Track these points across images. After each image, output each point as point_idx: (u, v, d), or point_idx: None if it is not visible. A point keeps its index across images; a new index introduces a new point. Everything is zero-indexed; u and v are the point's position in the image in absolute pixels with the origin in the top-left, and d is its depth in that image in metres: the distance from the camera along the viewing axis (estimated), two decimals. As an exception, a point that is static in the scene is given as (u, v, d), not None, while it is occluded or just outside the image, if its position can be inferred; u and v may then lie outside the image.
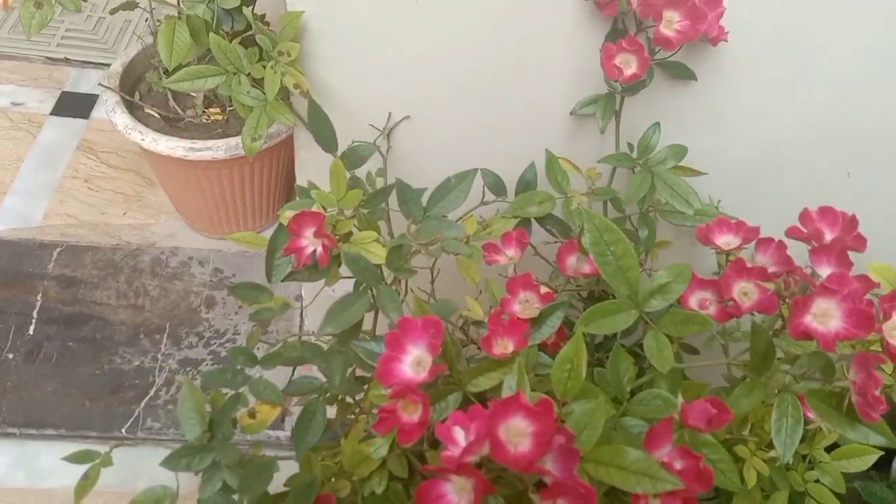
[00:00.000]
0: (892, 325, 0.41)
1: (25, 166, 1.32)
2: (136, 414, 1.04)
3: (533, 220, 0.63)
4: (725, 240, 0.55)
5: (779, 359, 0.50)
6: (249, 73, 0.63)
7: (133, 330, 1.12)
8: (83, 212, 1.26)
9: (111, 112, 1.05)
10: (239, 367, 0.52)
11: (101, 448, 1.06)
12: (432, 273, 0.60)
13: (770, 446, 0.56)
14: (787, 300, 0.48)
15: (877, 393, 0.44)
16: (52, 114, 1.41)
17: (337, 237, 0.52)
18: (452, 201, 0.57)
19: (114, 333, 1.11)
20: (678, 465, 0.39)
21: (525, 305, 0.56)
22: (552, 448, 0.36)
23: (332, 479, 0.51)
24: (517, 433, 0.36)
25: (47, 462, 1.05)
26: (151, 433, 1.03)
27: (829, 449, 0.62)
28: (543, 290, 0.56)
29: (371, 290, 0.51)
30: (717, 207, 0.64)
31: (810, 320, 0.40)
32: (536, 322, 0.53)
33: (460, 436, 0.37)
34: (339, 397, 0.58)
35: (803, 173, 0.71)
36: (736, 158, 0.70)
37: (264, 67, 0.62)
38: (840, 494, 0.62)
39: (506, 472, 0.37)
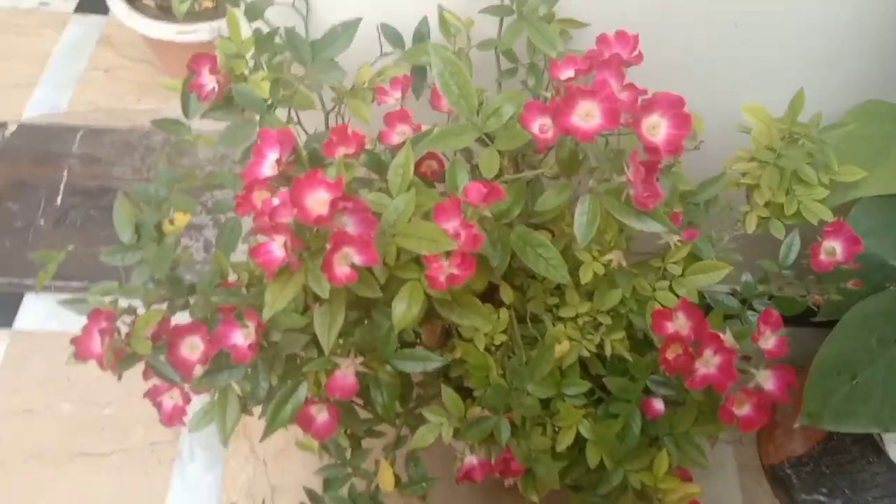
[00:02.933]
0: (649, 123, 0.49)
1: (53, 60, 1.46)
2: (146, 270, 1.20)
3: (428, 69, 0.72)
4: (567, 73, 0.63)
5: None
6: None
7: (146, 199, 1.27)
8: (103, 99, 1.40)
9: (112, 1, 1.17)
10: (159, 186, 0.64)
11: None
12: (325, 115, 0.70)
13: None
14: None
15: (651, 183, 0.52)
16: (75, 11, 1.54)
17: (231, 78, 0.62)
18: (339, 47, 0.66)
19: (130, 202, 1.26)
20: (460, 233, 0.49)
21: (401, 136, 0.66)
22: (341, 209, 0.46)
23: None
24: (318, 201, 0.47)
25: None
26: (160, 286, 1.19)
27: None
28: (416, 124, 0.65)
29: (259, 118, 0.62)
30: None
31: (575, 119, 0.49)
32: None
33: (276, 202, 0.48)
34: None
35: (691, 17, 0.76)
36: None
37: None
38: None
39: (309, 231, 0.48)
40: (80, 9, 1.54)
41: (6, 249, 1.22)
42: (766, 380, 0.57)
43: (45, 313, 1.22)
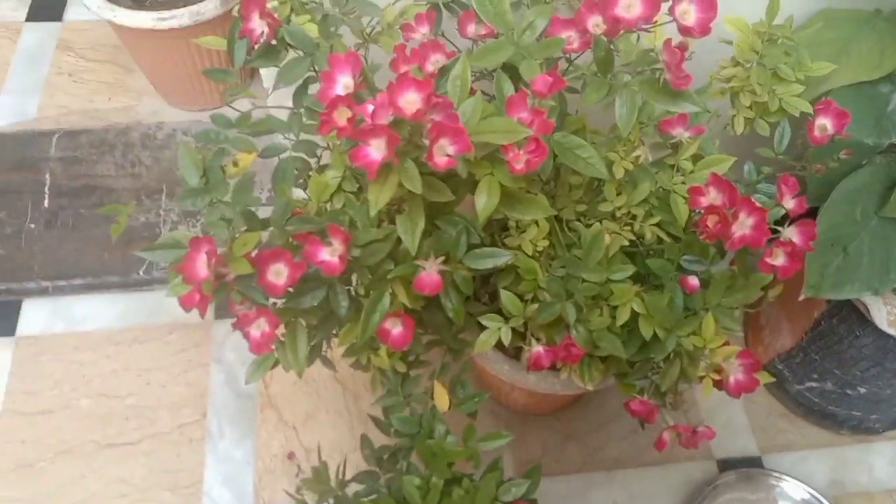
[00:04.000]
0: (681, 10, 0.57)
1: (13, 69, 1.45)
2: (148, 260, 1.21)
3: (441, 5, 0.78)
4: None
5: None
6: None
7: (134, 193, 1.28)
8: (72, 101, 1.40)
9: (84, -4, 1.18)
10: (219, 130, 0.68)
11: (122, 295, 1.24)
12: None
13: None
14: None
15: (682, 66, 0.60)
16: (27, 20, 1.53)
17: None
18: (371, -11, 0.71)
19: (118, 198, 1.27)
20: (531, 119, 0.55)
21: (435, 64, 0.71)
22: (433, 106, 0.52)
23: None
24: (410, 101, 0.53)
25: (80, 311, 1.23)
26: (165, 272, 1.21)
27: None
28: (450, 52, 0.71)
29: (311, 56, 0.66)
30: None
31: (619, 10, 0.56)
32: (441, 73, 0.69)
33: (371, 108, 0.53)
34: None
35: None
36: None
37: None
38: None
39: (406, 129, 0.53)
40: (31, 17, 1.53)
41: (0, 257, 1.21)
42: (793, 234, 0.65)
43: (47, 317, 1.22)
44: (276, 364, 0.78)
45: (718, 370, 0.69)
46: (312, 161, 0.77)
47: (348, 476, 0.83)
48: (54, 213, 1.25)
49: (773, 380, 0.72)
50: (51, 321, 1.22)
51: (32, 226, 1.24)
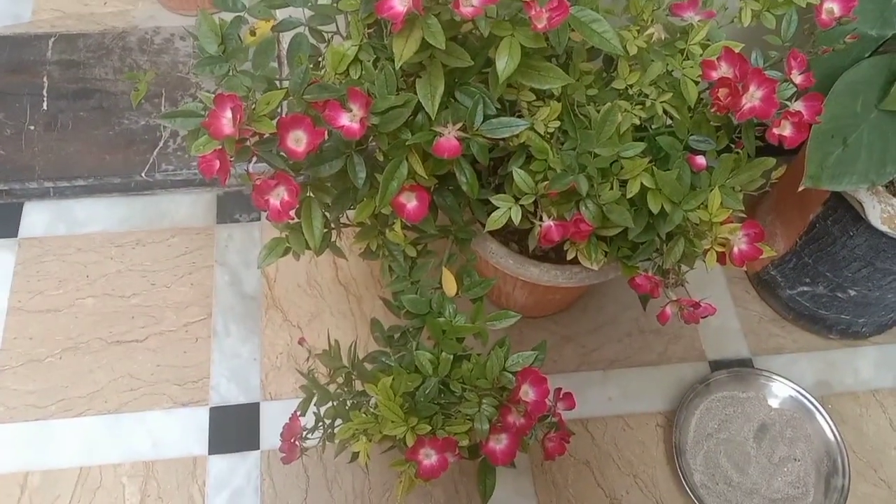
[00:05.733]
0: None
1: (3, -29, 1.42)
2: (151, 161, 1.21)
3: None
4: None
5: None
6: None
7: (134, 97, 1.27)
8: (67, 5, 1.38)
9: None
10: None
11: (123, 199, 1.25)
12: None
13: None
14: None
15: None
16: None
17: None
18: None
19: (117, 102, 1.27)
20: None
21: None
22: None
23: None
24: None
25: (82, 214, 1.24)
26: (167, 174, 1.21)
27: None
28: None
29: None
30: None
31: None
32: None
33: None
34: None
35: None
36: None
37: None
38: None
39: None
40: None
41: (1, 158, 1.20)
42: (801, 106, 0.66)
43: (49, 220, 1.23)
44: (286, 251, 0.80)
45: (723, 243, 0.71)
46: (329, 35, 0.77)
47: (360, 357, 0.86)
48: (53, 115, 1.24)
49: (774, 253, 0.74)
50: (53, 223, 1.23)
51: (32, 127, 1.23)
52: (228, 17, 0.71)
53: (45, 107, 1.25)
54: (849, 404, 1.17)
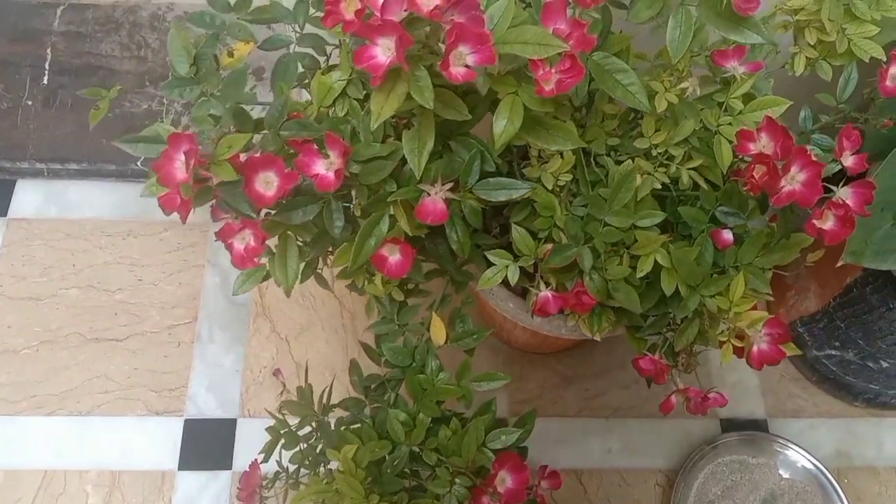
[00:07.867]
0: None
1: (19, -69, 1.35)
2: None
3: None
4: None
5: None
6: None
7: (138, 78, 1.20)
8: (80, -27, 1.31)
9: None
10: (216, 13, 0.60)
11: (118, 185, 1.19)
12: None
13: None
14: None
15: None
16: None
17: None
18: None
19: (121, 81, 1.20)
20: (569, 32, 0.47)
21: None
22: (456, 4, 0.44)
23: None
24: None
25: (75, 197, 1.18)
26: (164, 166, 1.14)
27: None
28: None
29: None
30: None
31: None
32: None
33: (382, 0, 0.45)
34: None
35: None
36: None
37: None
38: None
39: (420, 29, 0.46)
40: None
41: (-6, 132, 1.15)
42: (848, 195, 0.57)
43: (41, 200, 1.17)
44: (266, 277, 0.73)
45: (741, 336, 0.62)
46: (322, 60, 0.69)
47: (334, 400, 0.79)
48: (53, 91, 1.18)
49: (799, 352, 0.65)
50: (44, 205, 1.17)
51: (30, 102, 1.17)
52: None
53: (45, 81, 1.19)
54: (868, 480, 1.08)
